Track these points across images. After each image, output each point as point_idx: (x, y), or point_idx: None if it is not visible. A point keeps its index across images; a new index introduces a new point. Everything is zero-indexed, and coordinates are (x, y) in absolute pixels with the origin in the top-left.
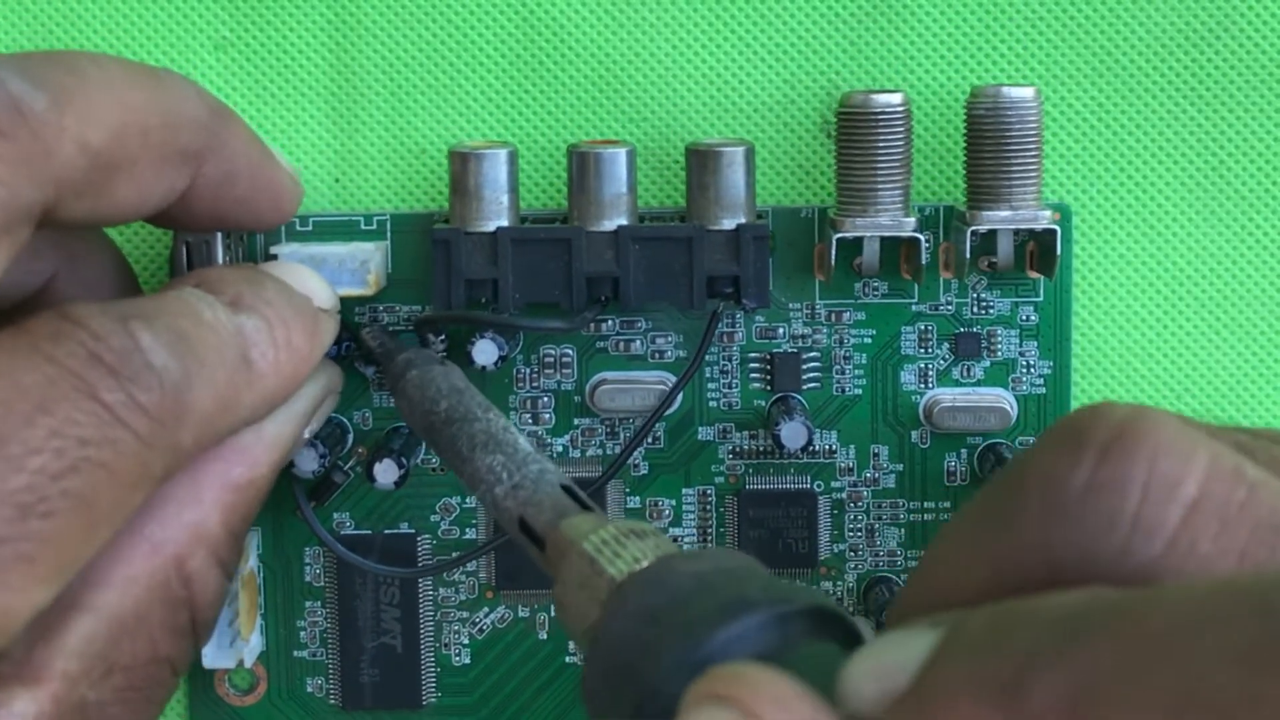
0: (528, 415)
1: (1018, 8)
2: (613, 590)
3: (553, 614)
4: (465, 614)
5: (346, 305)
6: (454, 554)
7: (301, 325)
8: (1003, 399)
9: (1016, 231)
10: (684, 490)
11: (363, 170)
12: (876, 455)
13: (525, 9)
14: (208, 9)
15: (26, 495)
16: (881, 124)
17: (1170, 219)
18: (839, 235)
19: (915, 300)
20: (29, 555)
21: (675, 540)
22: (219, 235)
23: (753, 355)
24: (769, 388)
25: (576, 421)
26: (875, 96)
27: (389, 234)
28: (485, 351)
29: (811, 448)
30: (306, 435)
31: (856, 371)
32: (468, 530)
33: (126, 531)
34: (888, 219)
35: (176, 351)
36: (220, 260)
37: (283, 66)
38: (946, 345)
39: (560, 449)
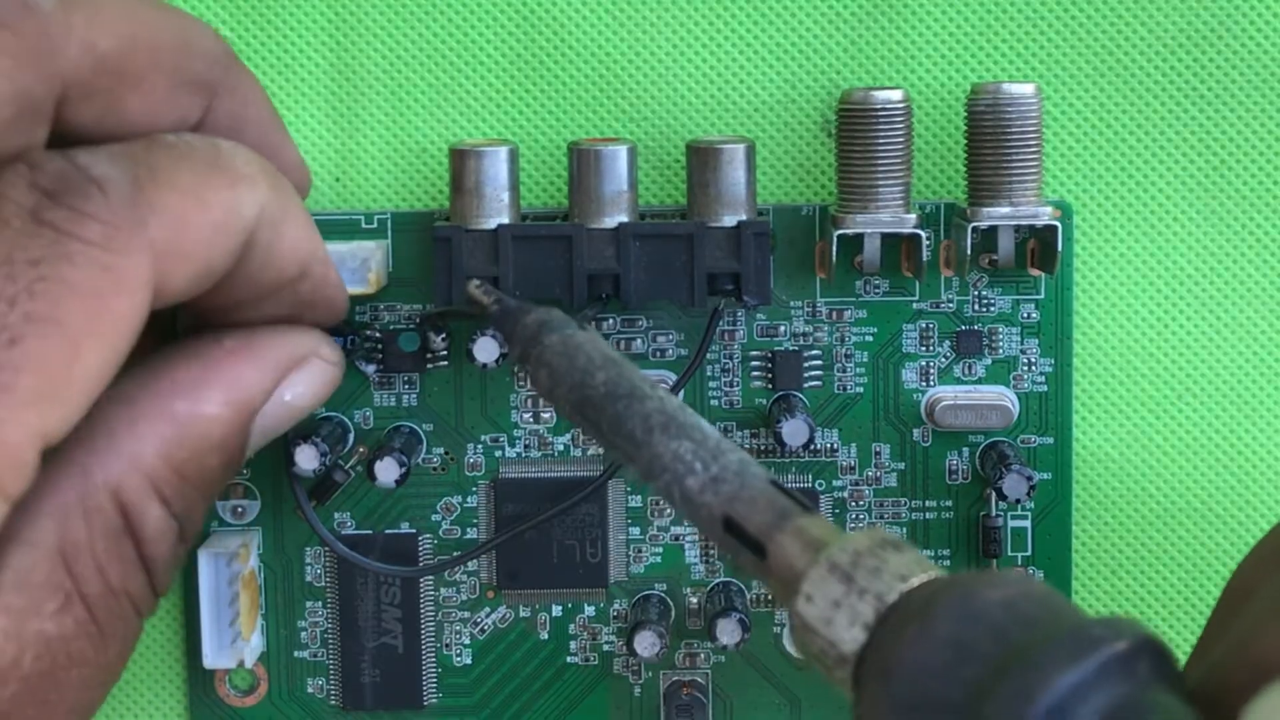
0: (528, 414)
1: (1018, 6)
2: (884, 612)
3: (554, 614)
4: (466, 614)
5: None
6: (455, 553)
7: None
8: (1004, 397)
9: (1017, 228)
10: None
11: (363, 169)
12: (878, 454)
13: (525, 9)
14: (208, 9)
15: None
16: (882, 121)
17: (1171, 218)
18: (840, 232)
19: (916, 298)
20: (5, 384)
21: (677, 539)
22: None
23: (754, 353)
24: (770, 386)
25: None
26: (876, 94)
27: (390, 232)
28: (486, 349)
29: (813, 446)
30: (287, 397)
31: (858, 369)
32: (469, 530)
33: (58, 461)
34: (889, 216)
35: (119, 162)
36: None
37: (283, 66)
38: (948, 343)
39: (561, 448)
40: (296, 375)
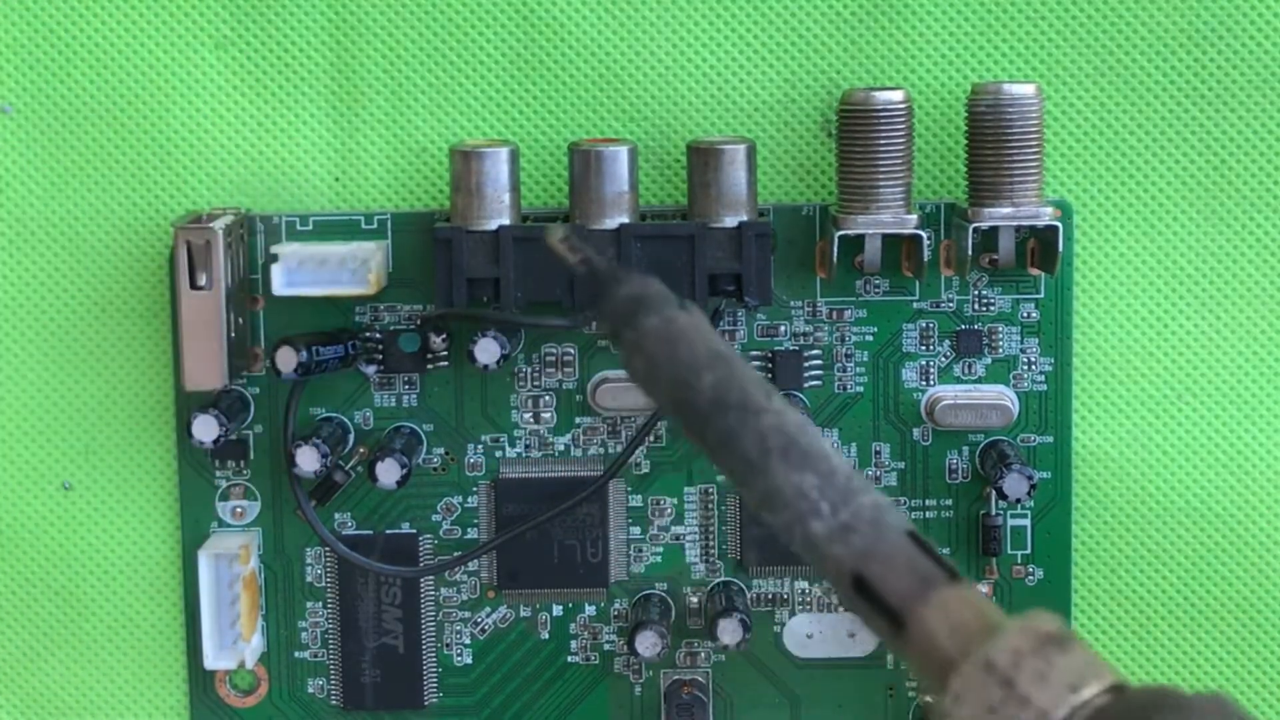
0: (528, 414)
1: (1018, 6)
2: None
3: (555, 613)
4: (467, 614)
5: (347, 305)
6: (455, 553)
7: None
8: (1004, 396)
9: (1018, 228)
10: (685, 489)
11: (363, 169)
12: (878, 453)
13: (525, 9)
14: (208, 8)
15: None
16: (883, 121)
17: (1171, 218)
18: (841, 233)
19: (917, 297)
20: None
21: (677, 539)
22: (220, 234)
23: (754, 353)
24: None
25: (578, 420)
26: (876, 94)
27: (390, 233)
28: (487, 350)
29: None
30: None
31: (858, 369)
32: (469, 530)
33: None
34: (889, 216)
35: None
36: (221, 260)
37: (283, 65)
38: (948, 342)
39: (562, 448)
40: None
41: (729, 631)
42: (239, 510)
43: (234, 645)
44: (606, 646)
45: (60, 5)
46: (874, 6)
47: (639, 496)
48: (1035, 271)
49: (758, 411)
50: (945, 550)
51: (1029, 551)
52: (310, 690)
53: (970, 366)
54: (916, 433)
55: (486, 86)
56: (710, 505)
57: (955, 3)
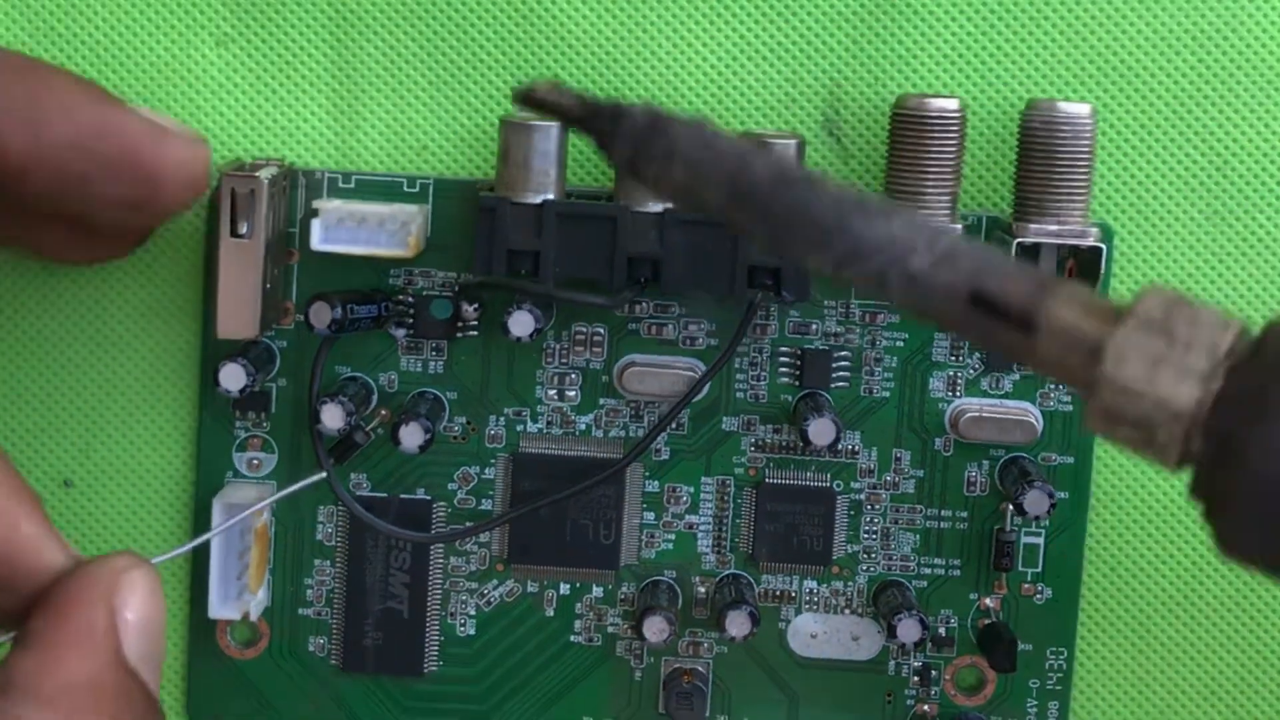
0: (553, 390)
1: (1014, 12)
2: (1238, 352)
3: (561, 591)
4: (474, 585)
5: (383, 267)
6: (468, 524)
7: None
8: (1029, 413)
9: (1060, 247)
10: (703, 479)
11: (363, 168)
12: (898, 459)
13: (525, 9)
14: (209, 5)
15: None
16: (935, 129)
17: (1173, 217)
18: None
19: None
20: None
21: (690, 527)
22: (265, 184)
23: (783, 350)
24: (797, 383)
25: (602, 401)
26: (930, 101)
27: (431, 198)
28: (522, 322)
29: (836, 446)
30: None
31: (886, 374)
32: (484, 501)
33: None
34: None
35: None
36: (264, 209)
37: (284, 63)
38: (978, 355)
39: (583, 427)
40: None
41: (737, 623)
42: (255, 462)
43: (239, 597)
44: (610, 629)
45: (60, 3)
46: (874, 8)
47: (656, 482)
48: None
49: (821, 181)
50: (956, 562)
51: (1039, 570)
52: (310, 649)
53: (998, 381)
54: (938, 442)
55: (486, 85)
56: (726, 498)
57: (956, 4)
